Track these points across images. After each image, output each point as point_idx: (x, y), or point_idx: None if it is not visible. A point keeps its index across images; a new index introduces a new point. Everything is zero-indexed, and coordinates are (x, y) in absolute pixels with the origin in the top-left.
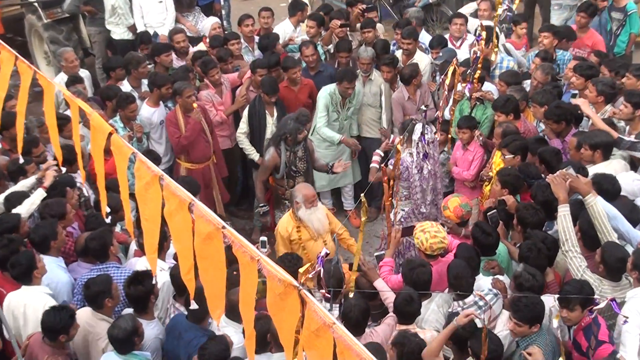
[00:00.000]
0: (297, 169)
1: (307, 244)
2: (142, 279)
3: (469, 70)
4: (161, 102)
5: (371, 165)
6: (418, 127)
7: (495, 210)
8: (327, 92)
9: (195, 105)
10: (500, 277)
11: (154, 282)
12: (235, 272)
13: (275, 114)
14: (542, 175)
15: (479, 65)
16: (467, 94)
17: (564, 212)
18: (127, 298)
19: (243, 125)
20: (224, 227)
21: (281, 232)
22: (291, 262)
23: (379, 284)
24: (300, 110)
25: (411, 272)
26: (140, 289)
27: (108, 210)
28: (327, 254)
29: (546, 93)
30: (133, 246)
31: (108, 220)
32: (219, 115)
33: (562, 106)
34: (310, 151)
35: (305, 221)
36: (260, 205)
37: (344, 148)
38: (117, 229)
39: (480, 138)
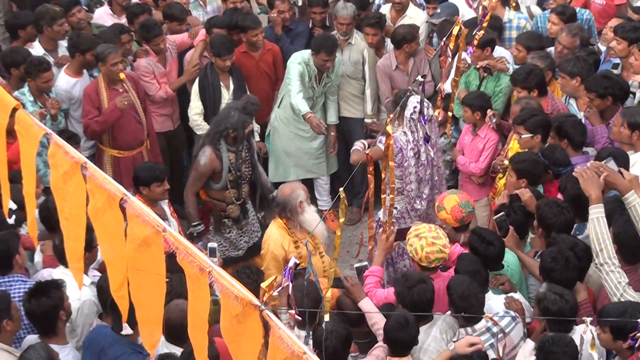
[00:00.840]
0: (241, 175)
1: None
2: (47, 289)
3: (474, 31)
4: (85, 71)
5: (354, 148)
6: (413, 101)
7: (502, 213)
8: (300, 60)
9: (122, 75)
10: (515, 296)
11: (67, 294)
12: (167, 280)
13: (232, 86)
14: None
15: (484, 25)
16: (469, 61)
17: (597, 214)
18: (28, 316)
19: (196, 103)
20: (164, 230)
21: (274, 251)
22: (251, 276)
23: (366, 304)
24: (247, 98)
25: (410, 291)
26: (45, 302)
27: (13, 207)
28: (297, 265)
29: (579, 61)
30: (38, 254)
31: (11, 221)
32: (162, 90)
33: (611, 77)
34: (254, 150)
35: (308, 227)
36: (193, 224)
37: (322, 143)
38: (23, 230)
39: (494, 119)
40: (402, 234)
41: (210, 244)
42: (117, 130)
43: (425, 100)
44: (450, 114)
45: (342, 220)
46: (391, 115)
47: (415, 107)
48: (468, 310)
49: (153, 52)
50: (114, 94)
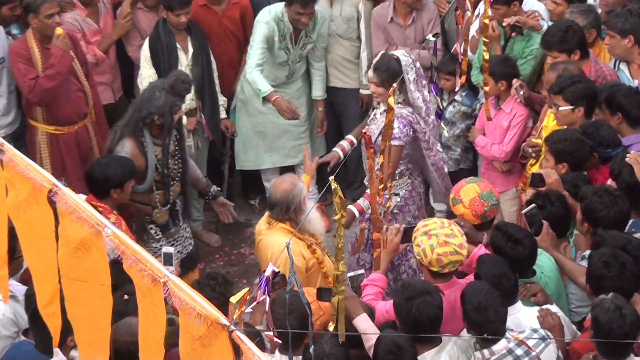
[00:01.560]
0: (170, 174)
1: (325, 263)
2: None
3: None
4: (1, 28)
5: (335, 149)
6: (406, 61)
7: (534, 205)
8: (269, 18)
9: (60, 30)
10: (552, 308)
11: None
12: (126, 297)
13: (191, 49)
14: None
15: None
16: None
17: None
18: None
19: (147, 71)
20: (107, 230)
21: (297, 264)
22: (216, 288)
23: (362, 322)
24: (177, 74)
25: (409, 305)
26: None
27: None
28: (275, 273)
29: (632, 15)
30: None
31: None
32: (90, 53)
33: None
34: (185, 142)
35: (314, 226)
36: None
37: (305, 119)
38: None
39: (522, 91)
40: (411, 234)
41: (165, 249)
42: (53, 101)
43: (433, 67)
44: (462, 79)
45: (338, 217)
46: (394, 85)
47: (416, 68)
48: (484, 327)
49: (80, 4)
50: (47, 55)
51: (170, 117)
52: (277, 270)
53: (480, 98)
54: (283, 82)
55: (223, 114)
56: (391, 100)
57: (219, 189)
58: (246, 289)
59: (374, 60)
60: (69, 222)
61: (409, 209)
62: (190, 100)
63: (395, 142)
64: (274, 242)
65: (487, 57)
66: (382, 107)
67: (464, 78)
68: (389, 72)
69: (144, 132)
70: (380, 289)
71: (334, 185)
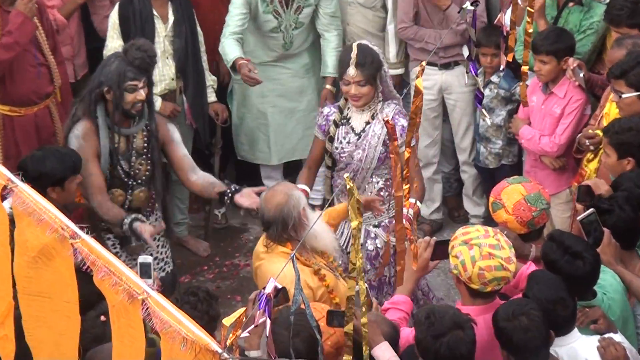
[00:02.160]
0: (132, 172)
1: (338, 291)
2: None
3: None
4: None
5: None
6: (381, 55)
7: (592, 210)
8: None
9: None
10: (615, 337)
11: None
12: (103, 319)
13: (172, 17)
14: None
15: None
16: None
17: None
18: None
19: (114, 43)
20: (74, 236)
21: (307, 294)
22: (198, 306)
23: (384, 351)
24: (136, 41)
25: (436, 343)
26: None
27: None
28: (278, 290)
29: None
30: None
31: None
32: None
33: None
34: (165, 140)
35: (322, 241)
36: (124, 222)
37: (315, 103)
38: None
39: (582, 74)
40: (445, 250)
41: (142, 258)
42: (9, 76)
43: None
44: (505, 57)
45: (355, 225)
46: (423, 63)
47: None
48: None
49: None
50: (6, 20)
51: (120, 91)
52: (279, 286)
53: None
54: (281, 55)
55: (212, 97)
56: (419, 81)
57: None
58: (242, 309)
59: (352, 54)
60: (28, 226)
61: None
62: (170, 79)
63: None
64: (274, 271)
65: (530, 30)
66: (365, 115)
67: (511, 56)
68: (374, 66)
69: (97, 110)
70: (405, 314)
71: (349, 184)
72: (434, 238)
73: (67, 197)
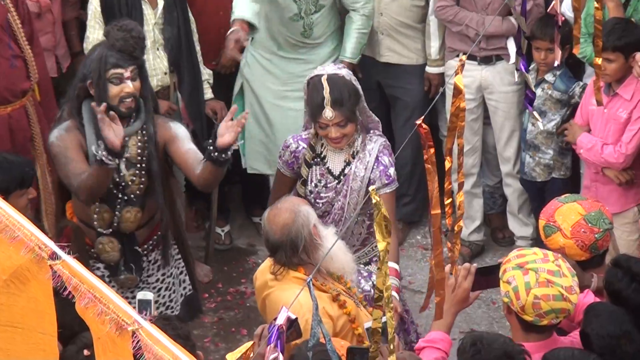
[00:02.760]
0: (123, 184)
1: (359, 321)
2: None
3: None
4: None
5: None
6: (354, 79)
7: None
8: None
9: None
10: None
11: None
12: (87, 353)
13: (162, 3)
14: None
15: None
16: None
17: None
18: None
19: (95, 32)
20: (54, 257)
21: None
22: (179, 331)
23: None
24: (122, 22)
25: None
26: None
27: None
28: (291, 321)
29: None
30: None
31: None
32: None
33: None
34: (167, 140)
35: (338, 264)
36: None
37: None
38: None
39: None
40: (489, 278)
41: (140, 294)
42: None
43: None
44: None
45: (383, 248)
46: (463, 57)
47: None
48: None
49: None
50: None
51: (101, 81)
52: (293, 316)
53: (587, 78)
54: (301, 43)
55: (209, 93)
56: (459, 78)
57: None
58: (249, 344)
59: (324, 92)
60: None
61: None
62: (162, 74)
63: (388, 190)
64: (287, 299)
65: (599, 17)
66: (343, 154)
67: (577, 48)
68: (353, 97)
69: (82, 109)
70: (444, 353)
71: (375, 198)
72: (475, 265)
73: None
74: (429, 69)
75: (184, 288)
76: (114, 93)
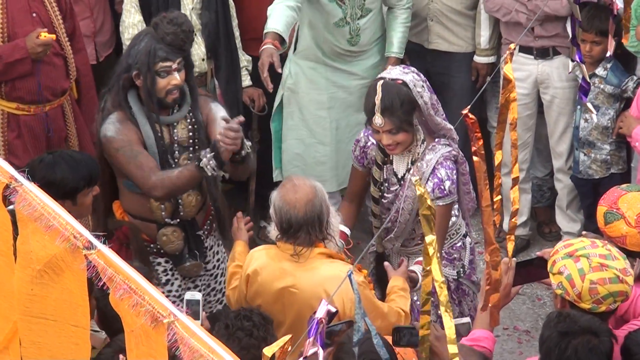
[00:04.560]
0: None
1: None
2: None
3: None
4: None
5: None
6: (417, 84)
7: None
8: None
9: (44, 35)
10: None
11: None
12: (122, 359)
13: None
14: None
15: None
16: None
17: None
18: None
19: (131, 18)
20: (89, 247)
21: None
22: (254, 332)
23: None
24: (171, 15)
25: (563, 343)
26: None
27: None
28: (332, 313)
29: None
30: None
31: None
32: None
33: None
34: (208, 121)
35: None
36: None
37: None
38: None
39: None
40: (529, 272)
41: (189, 294)
42: (11, 69)
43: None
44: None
45: (432, 238)
46: (512, 46)
47: (426, 83)
48: None
49: None
50: (14, 1)
51: (149, 74)
52: (333, 309)
53: (639, 71)
54: (348, 52)
55: (247, 80)
56: (509, 67)
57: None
58: (287, 337)
59: (376, 99)
60: (33, 233)
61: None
62: (199, 60)
63: (441, 202)
64: (334, 275)
65: None
66: (406, 158)
67: (626, 38)
68: (405, 106)
69: (128, 99)
70: (488, 351)
71: (419, 189)
72: (514, 259)
73: (80, 213)
74: (477, 58)
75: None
76: (162, 85)
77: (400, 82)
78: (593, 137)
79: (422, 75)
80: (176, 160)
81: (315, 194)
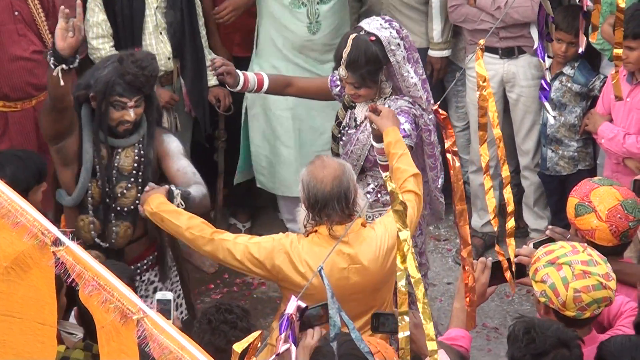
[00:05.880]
0: (113, 196)
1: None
2: None
3: None
4: None
5: None
6: (391, 41)
7: None
8: None
9: None
10: None
11: None
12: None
13: None
14: None
15: None
16: None
17: None
18: None
19: (96, 15)
20: (57, 243)
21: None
22: (238, 324)
23: None
24: (139, 55)
25: None
26: None
27: None
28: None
29: None
30: None
31: None
32: None
33: None
34: (160, 155)
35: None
36: None
37: None
38: None
39: None
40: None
41: (160, 294)
42: (1, 68)
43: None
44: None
45: (407, 234)
46: (481, 42)
47: (404, 40)
48: None
49: None
50: None
51: (103, 99)
52: (303, 304)
53: (603, 69)
54: (308, 44)
55: (212, 80)
56: (480, 66)
57: None
58: (256, 333)
59: (344, 51)
60: (0, 229)
61: None
62: (165, 59)
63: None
64: (385, 232)
65: (622, 4)
66: (362, 108)
67: (594, 35)
68: (370, 65)
69: (81, 110)
70: (465, 349)
71: (390, 185)
72: (490, 259)
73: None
74: (431, 52)
75: (181, 312)
76: (115, 117)
77: (374, 38)
78: (561, 134)
79: (403, 31)
80: (112, 186)
81: (344, 171)
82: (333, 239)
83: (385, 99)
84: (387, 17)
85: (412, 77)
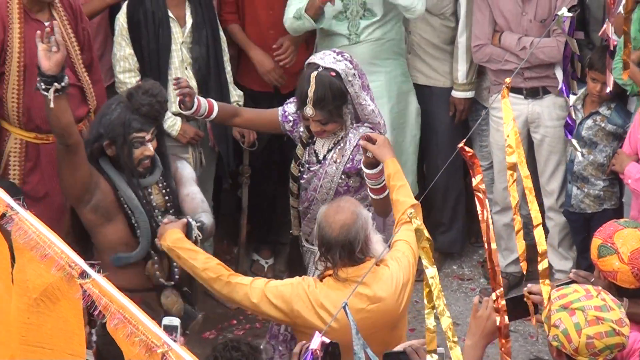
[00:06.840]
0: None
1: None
2: None
3: None
4: None
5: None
6: (348, 73)
7: None
8: None
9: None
10: None
11: None
12: None
13: (190, 20)
14: None
15: None
16: None
17: None
18: None
19: (122, 51)
20: (84, 275)
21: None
22: None
23: None
24: (144, 81)
25: None
26: None
27: None
28: (327, 345)
29: None
30: None
31: None
32: None
33: None
34: (175, 180)
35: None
36: None
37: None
38: None
39: None
40: (517, 309)
41: (166, 319)
42: (34, 100)
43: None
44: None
45: (434, 271)
46: (507, 80)
47: (357, 70)
48: None
49: None
50: (32, 30)
51: (125, 145)
52: (328, 341)
53: (630, 106)
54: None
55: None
56: (506, 102)
57: None
58: None
59: (309, 90)
60: (29, 262)
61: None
62: None
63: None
64: (399, 269)
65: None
66: (328, 141)
67: (625, 74)
68: (337, 100)
69: (102, 165)
70: None
71: (415, 222)
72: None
73: None
74: (455, 93)
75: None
76: (135, 156)
77: (334, 73)
78: (587, 172)
79: (354, 61)
80: (157, 225)
81: (355, 221)
82: (341, 281)
83: (348, 129)
84: (336, 50)
85: (369, 105)
